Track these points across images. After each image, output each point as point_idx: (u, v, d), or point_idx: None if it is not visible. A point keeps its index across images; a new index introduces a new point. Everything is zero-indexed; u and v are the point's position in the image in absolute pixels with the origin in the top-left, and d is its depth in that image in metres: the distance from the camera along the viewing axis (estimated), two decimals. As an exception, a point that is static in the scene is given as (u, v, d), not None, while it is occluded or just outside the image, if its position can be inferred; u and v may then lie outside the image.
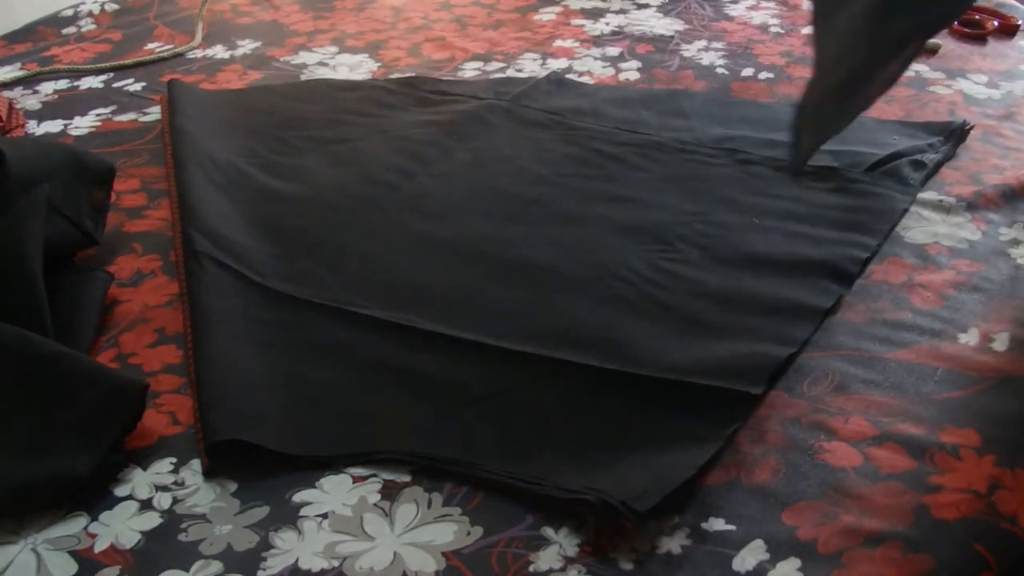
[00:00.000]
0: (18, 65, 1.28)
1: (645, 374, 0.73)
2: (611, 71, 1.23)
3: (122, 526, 0.64)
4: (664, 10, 1.40)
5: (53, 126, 1.14)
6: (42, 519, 0.65)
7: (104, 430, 0.68)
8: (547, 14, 1.40)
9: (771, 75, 1.21)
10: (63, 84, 1.24)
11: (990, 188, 0.95)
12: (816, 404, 0.72)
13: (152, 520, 0.65)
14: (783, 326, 0.79)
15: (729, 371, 0.73)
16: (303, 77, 1.25)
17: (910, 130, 1.06)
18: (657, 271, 0.86)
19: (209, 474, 0.68)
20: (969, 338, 0.77)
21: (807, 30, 1.31)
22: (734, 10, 1.39)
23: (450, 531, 0.63)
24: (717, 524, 0.63)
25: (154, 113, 1.16)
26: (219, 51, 1.32)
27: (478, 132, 1.09)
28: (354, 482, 0.67)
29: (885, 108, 1.10)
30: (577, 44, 1.30)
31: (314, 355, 0.78)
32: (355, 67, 1.27)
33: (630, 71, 1.23)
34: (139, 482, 0.67)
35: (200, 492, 0.67)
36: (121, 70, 1.27)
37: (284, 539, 0.63)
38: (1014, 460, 0.65)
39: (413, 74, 1.23)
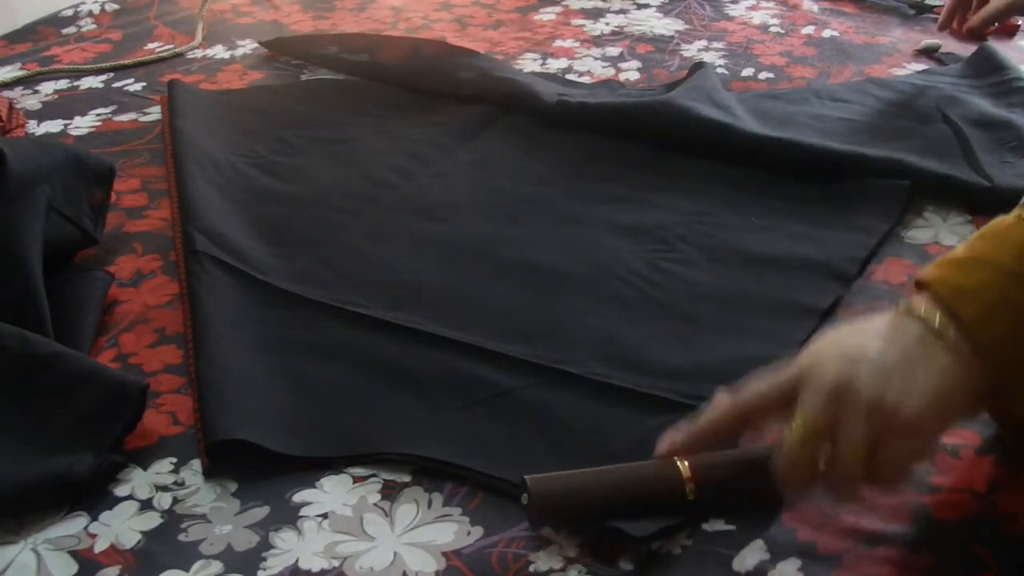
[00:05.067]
0: (18, 65, 1.28)
1: (643, 391, 0.73)
2: (611, 71, 1.23)
3: (122, 526, 0.64)
4: (664, 10, 1.40)
5: (53, 126, 1.14)
6: (42, 519, 0.65)
7: (104, 430, 0.68)
8: (547, 14, 1.40)
9: (771, 75, 1.21)
10: (63, 84, 1.24)
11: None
12: (816, 404, 0.71)
13: (152, 520, 0.65)
14: (782, 326, 0.79)
15: (725, 380, 0.72)
16: (303, 77, 1.25)
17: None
18: (657, 271, 0.86)
19: (209, 474, 0.68)
20: (969, 338, 0.77)
21: (807, 30, 1.31)
22: (734, 10, 1.39)
23: (450, 531, 0.63)
24: (717, 524, 0.63)
25: (154, 113, 1.16)
26: (219, 51, 1.32)
27: (478, 132, 1.09)
28: (354, 482, 0.67)
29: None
30: (577, 44, 1.31)
31: (314, 355, 0.78)
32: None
33: (630, 71, 1.23)
34: (139, 482, 0.68)
35: (200, 492, 0.67)
36: (121, 70, 1.27)
37: (284, 539, 0.63)
38: (1014, 460, 0.65)
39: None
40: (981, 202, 0.91)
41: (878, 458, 0.56)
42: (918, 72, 1.19)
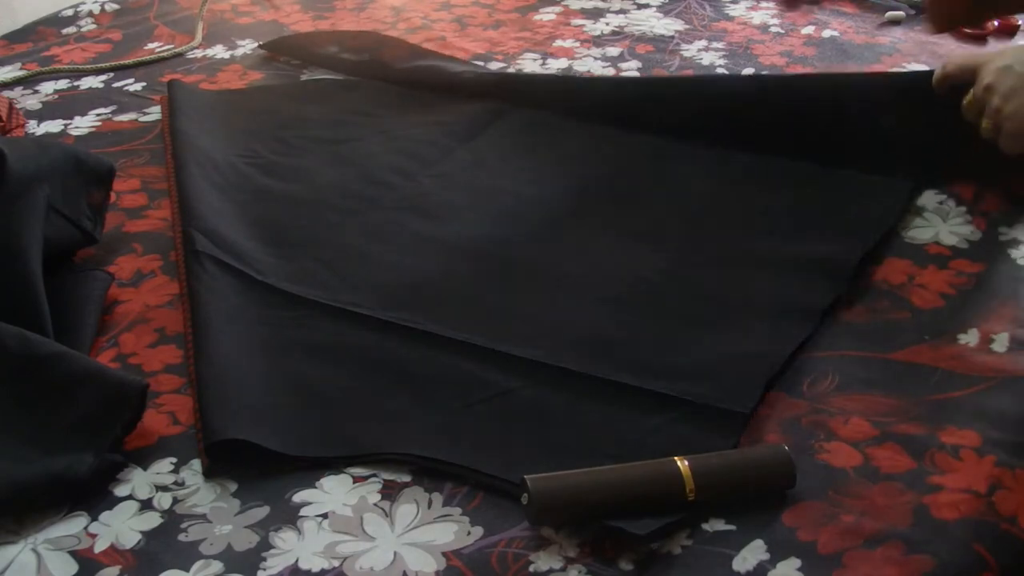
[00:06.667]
0: (18, 65, 1.28)
1: (642, 387, 0.73)
2: (611, 71, 1.23)
3: (122, 526, 0.64)
4: (664, 10, 1.40)
5: (53, 126, 1.14)
6: (42, 519, 0.65)
7: (104, 430, 0.68)
8: (547, 14, 1.40)
9: (771, 75, 1.21)
10: (63, 84, 1.24)
11: (991, 188, 0.94)
12: (816, 404, 0.72)
13: (152, 520, 0.65)
14: (781, 326, 0.79)
15: (724, 379, 0.73)
16: (303, 77, 1.25)
17: None
18: (656, 271, 0.86)
19: (209, 474, 0.68)
20: (969, 338, 0.77)
21: (807, 30, 1.31)
22: (734, 10, 1.39)
23: (450, 531, 0.63)
24: (717, 524, 0.63)
25: (154, 113, 1.16)
26: (219, 51, 1.32)
27: (478, 132, 1.09)
28: (354, 482, 0.67)
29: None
30: (577, 44, 1.30)
31: (314, 355, 0.78)
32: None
33: (630, 71, 1.23)
34: (139, 482, 0.68)
35: (200, 492, 0.67)
36: (121, 70, 1.27)
37: (284, 539, 0.63)
38: (1014, 460, 0.65)
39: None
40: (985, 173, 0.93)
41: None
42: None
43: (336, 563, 0.61)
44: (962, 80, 0.92)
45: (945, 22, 0.96)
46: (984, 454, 0.66)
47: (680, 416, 0.71)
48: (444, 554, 0.62)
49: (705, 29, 1.34)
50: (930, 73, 0.95)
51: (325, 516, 0.65)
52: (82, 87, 1.23)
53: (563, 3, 1.43)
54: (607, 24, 1.36)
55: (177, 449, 0.70)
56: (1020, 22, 1.29)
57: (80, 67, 1.27)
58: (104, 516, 0.65)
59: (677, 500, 0.63)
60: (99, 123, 1.14)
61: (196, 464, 0.69)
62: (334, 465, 0.69)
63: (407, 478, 0.67)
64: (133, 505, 0.66)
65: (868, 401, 0.72)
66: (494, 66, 1.25)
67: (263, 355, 0.77)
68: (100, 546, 0.63)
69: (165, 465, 0.69)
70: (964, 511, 0.62)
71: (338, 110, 1.15)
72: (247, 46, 1.33)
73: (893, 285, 0.83)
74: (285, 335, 0.80)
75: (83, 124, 1.14)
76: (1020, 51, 0.89)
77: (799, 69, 1.21)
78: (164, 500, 0.66)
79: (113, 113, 1.16)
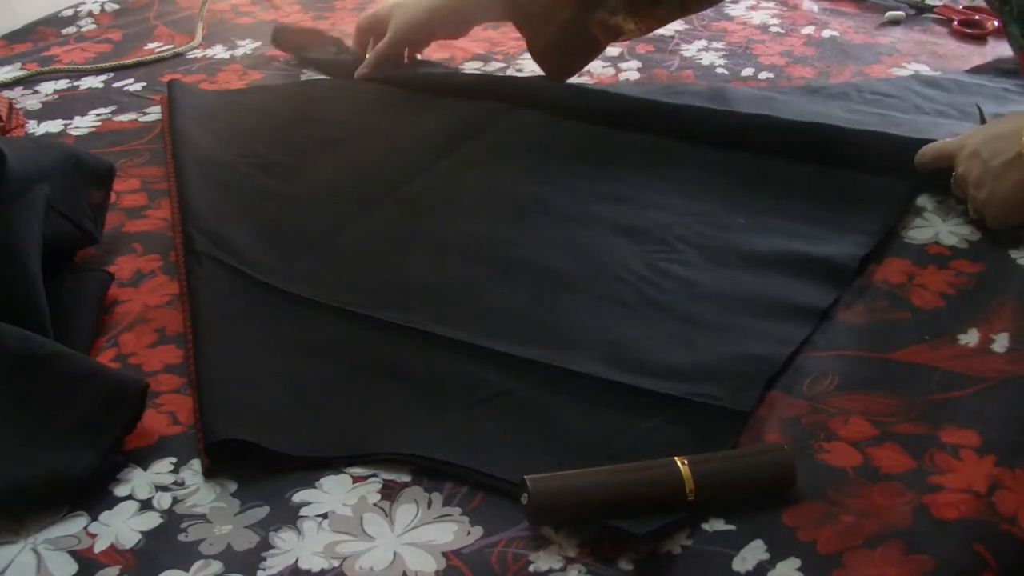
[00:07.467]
0: (18, 65, 1.28)
1: (642, 387, 0.73)
2: (611, 71, 1.23)
3: (122, 526, 0.64)
4: (664, 10, 1.40)
5: (53, 126, 1.14)
6: (42, 519, 0.65)
7: (104, 430, 0.68)
8: (547, 14, 1.40)
9: (771, 75, 1.21)
10: (63, 84, 1.24)
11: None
12: (816, 404, 0.72)
13: (152, 520, 0.65)
14: (781, 326, 0.79)
15: (724, 379, 0.73)
16: (303, 77, 1.25)
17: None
18: (656, 272, 0.86)
19: (209, 474, 0.68)
20: (969, 338, 0.77)
21: (807, 30, 1.31)
22: (734, 10, 1.39)
23: (450, 531, 0.63)
24: (717, 524, 0.63)
25: (154, 113, 1.16)
26: (219, 51, 1.32)
27: (478, 132, 1.08)
28: (354, 482, 0.67)
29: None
30: (577, 44, 1.30)
31: (314, 355, 0.78)
32: (355, 67, 1.26)
33: (630, 71, 1.23)
34: (139, 482, 0.68)
35: (200, 492, 0.67)
36: (121, 70, 1.27)
37: (284, 539, 0.63)
38: (1014, 460, 0.65)
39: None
40: None
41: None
42: (966, 71, 1.19)
43: (336, 563, 0.61)
44: (938, 168, 0.92)
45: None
46: (984, 454, 0.66)
47: (680, 416, 0.71)
48: (444, 554, 0.62)
49: (705, 29, 1.34)
50: (917, 143, 0.95)
51: (325, 516, 0.65)
52: (82, 87, 1.23)
53: (563, 3, 1.43)
54: (607, 24, 1.36)
55: (177, 449, 0.70)
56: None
57: (80, 67, 1.27)
58: (104, 516, 0.65)
59: (677, 500, 0.63)
60: (99, 123, 1.14)
61: (196, 464, 0.69)
62: (334, 465, 0.69)
63: (407, 478, 0.67)
64: (133, 505, 0.66)
65: (868, 401, 0.72)
66: (494, 66, 1.25)
67: (263, 355, 0.77)
68: (100, 546, 0.63)
69: (165, 465, 0.69)
70: (964, 511, 0.62)
71: (338, 110, 1.15)
72: (247, 46, 1.33)
73: (893, 285, 0.83)
74: (285, 335, 0.80)
75: (83, 124, 1.14)
76: (983, 134, 0.89)
77: (799, 69, 1.21)
78: (164, 500, 0.66)
79: (113, 113, 1.16)
